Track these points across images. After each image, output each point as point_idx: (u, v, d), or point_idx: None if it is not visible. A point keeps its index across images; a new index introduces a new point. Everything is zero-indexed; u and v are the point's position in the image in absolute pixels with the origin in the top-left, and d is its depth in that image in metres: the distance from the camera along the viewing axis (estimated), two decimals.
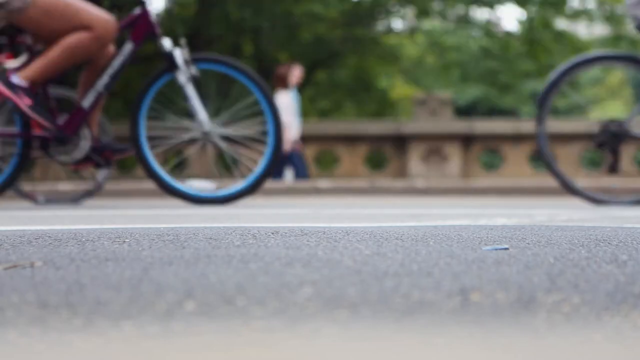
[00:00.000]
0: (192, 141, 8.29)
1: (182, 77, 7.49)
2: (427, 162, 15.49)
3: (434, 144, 15.51)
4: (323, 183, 13.82)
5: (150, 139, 7.81)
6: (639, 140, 8.98)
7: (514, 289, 1.94)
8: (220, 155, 16.35)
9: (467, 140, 15.64)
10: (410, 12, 24.01)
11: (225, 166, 15.74)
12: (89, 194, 9.54)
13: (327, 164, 17.22)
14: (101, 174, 9.57)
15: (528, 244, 2.77)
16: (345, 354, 1.47)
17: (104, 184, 9.68)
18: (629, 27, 21.97)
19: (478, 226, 3.78)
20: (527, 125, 16.36)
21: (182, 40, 7.54)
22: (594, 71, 34.87)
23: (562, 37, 21.86)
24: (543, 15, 21.14)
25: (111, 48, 7.51)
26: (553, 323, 1.72)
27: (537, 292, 1.91)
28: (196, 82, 7.48)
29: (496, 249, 2.61)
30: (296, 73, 14.10)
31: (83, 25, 7.07)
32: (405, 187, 13.44)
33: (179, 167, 17.25)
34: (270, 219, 5.59)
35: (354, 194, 12.79)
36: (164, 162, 15.95)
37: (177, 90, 7.55)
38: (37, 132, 7.27)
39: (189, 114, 7.80)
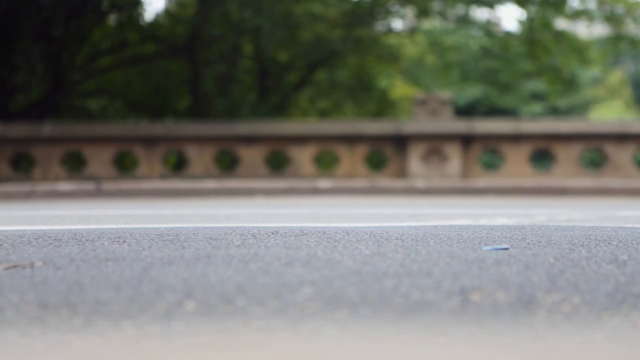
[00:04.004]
0: None
1: None
2: (427, 162, 15.48)
3: (434, 144, 15.50)
4: (323, 183, 13.82)
5: None
6: None
7: (514, 289, 1.94)
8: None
9: (467, 140, 15.63)
10: (410, 12, 23.97)
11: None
12: None
13: (327, 164, 17.21)
14: None
15: (528, 244, 2.76)
16: (345, 354, 1.47)
17: None
18: (629, 27, 21.93)
19: (478, 226, 3.78)
20: (527, 125, 16.36)
21: None
22: (593, 71, 34.84)
23: (562, 37, 21.83)
24: (543, 15, 21.10)
25: None
26: (553, 323, 1.71)
27: (537, 292, 1.91)
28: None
29: (496, 249, 2.61)
30: None
31: None
32: (405, 187, 13.43)
33: (179, 167, 17.26)
34: (270, 219, 5.59)
35: (354, 194, 12.79)
36: (164, 162, 15.97)
37: None
38: None
39: None
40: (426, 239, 2.90)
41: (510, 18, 58.01)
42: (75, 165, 16.31)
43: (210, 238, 2.92)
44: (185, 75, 22.02)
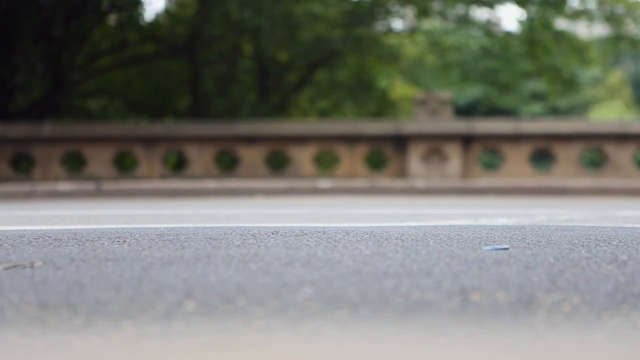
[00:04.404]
0: None
1: None
2: (427, 162, 15.48)
3: (434, 144, 15.50)
4: (323, 183, 13.82)
5: None
6: None
7: (514, 289, 1.94)
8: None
9: (467, 140, 15.62)
10: (410, 12, 23.97)
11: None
12: None
13: (327, 164, 17.21)
14: None
15: (528, 244, 2.77)
16: (345, 354, 1.47)
17: None
18: (629, 27, 21.92)
19: (478, 226, 3.78)
20: (527, 125, 16.35)
21: None
22: (593, 71, 34.82)
23: (562, 37, 21.82)
24: (543, 15, 21.10)
25: None
26: (553, 323, 1.72)
27: (537, 292, 1.91)
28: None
29: (496, 249, 2.61)
30: None
31: None
32: (405, 187, 13.43)
33: (179, 167, 17.26)
34: (270, 219, 5.59)
35: (354, 194, 12.79)
36: (164, 162, 15.97)
37: None
38: None
39: None
40: (426, 239, 2.90)
41: (510, 18, 58.02)
42: (75, 165, 16.32)
43: (210, 238, 2.92)
44: (185, 75, 22.02)
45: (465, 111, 33.50)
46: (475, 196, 12.17)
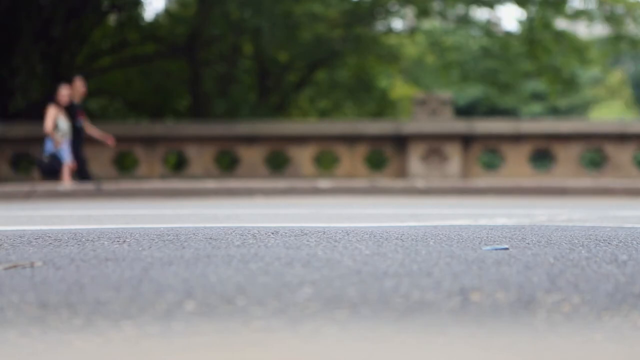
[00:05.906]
0: None
1: None
2: (427, 162, 15.49)
3: (434, 144, 15.51)
4: (323, 183, 13.81)
5: None
6: None
7: (514, 289, 1.94)
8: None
9: (467, 140, 15.63)
10: (410, 12, 23.96)
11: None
12: None
13: (327, 164, 17.21)
14: None
15: (528, 244, 2.77)
16: (345, 354, 1.47)
17: None
18: (629, 27, 21.92)
19: (478, 226, 3.78)
20: (527, 125, 16.35)
21: None
22: (593, 71, 34.82)
23: (562, 37, 21.81)
24: (543, 15, 21.09)
25: None
26: (553, 323, 1.72)
27: (537, 292, 1.92)
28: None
29: (496, 249, 2.61)
30: None
31: None
32: (405, 187, 13.43)
33: (179, 167, 17.25)
34: (270, 219, 5.60)
35: (354, 194, 12.79)
36: (164, 162, 15.97)
37: None
38: None
39: None
40: (426, 239, 2.90)
41: (510, 18, 58.04)
42: None
43: (210, 238, 2.92)
44: (185, 75, 22.01)
45: (465, 111, 33.49)
46: (475, 196, 12.18)
